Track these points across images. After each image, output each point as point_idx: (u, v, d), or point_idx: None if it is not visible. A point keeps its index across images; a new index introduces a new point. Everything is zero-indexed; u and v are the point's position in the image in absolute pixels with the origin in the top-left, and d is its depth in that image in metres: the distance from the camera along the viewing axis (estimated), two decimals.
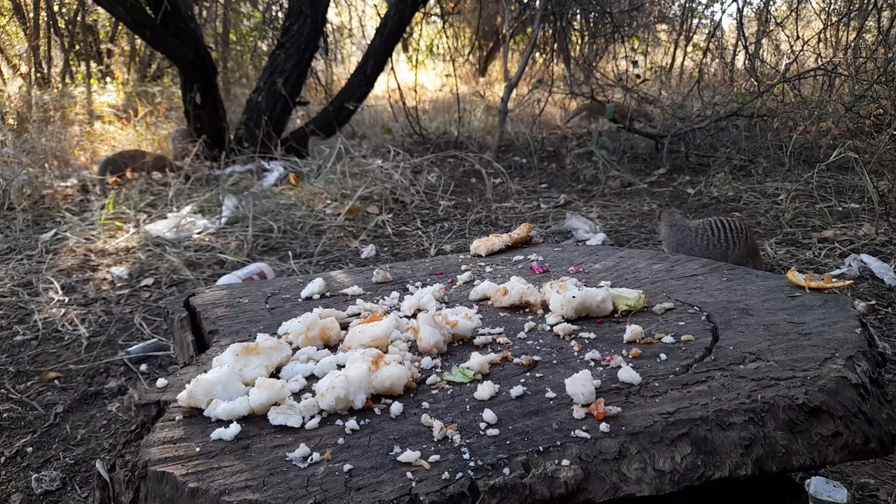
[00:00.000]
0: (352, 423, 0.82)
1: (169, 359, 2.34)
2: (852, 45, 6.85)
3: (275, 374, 0.98)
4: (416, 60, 8.13)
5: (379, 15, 7.54)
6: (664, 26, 9.53)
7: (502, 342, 1.06)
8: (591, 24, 7.80)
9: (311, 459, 0.75)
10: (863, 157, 4.30)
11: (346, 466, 0.74)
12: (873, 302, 2.55)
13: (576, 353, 1.00)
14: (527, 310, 1.21)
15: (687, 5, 8.97)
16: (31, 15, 7.81)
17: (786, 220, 3.68)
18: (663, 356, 0.97)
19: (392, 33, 5.79)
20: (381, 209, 4.10)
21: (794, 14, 6.93)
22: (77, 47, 8.53)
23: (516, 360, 0.99)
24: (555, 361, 0.98)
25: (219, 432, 0.81)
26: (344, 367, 0.94)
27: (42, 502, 1.65)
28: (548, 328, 1.11)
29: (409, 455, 0.74)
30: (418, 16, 7.22)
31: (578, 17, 7.69)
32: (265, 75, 5.63)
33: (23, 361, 2.33)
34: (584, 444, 0.75)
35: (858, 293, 2.67)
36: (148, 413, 0.90)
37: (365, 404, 0.86)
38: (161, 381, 0.96)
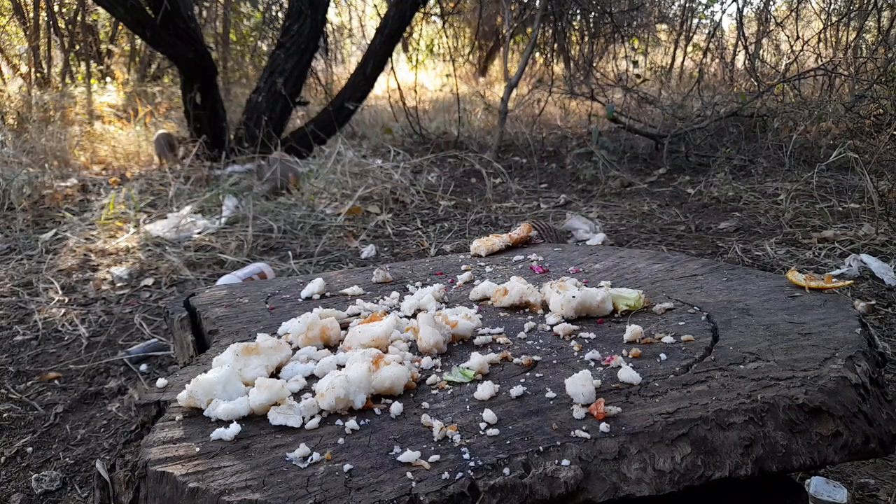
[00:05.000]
0: (352, 423, 0.82)
1: (169, 359, 2.34)
2: (852, 45, 6.85)
3: (275, 374, 0.98)
4: (416, 60, 8.12)
5: (379, 15, 7.53)
6: (664, 26, 9.51)
7: (502, 342, 1.06)
8: (591, 24, 7.79)
9: (311, 459, 0.75)
10: (863, 157, 4.30)
11: (346, 466, 0.74)
12: (873, 302, 2.55)
13: (576, 353, 1.00)
14: (527, 310, 1.21)
15: (687, 5, 8.96)
16: (31, 15, 7.80)
17: (786, 220, 3.68)
18: (663, 356, 0.97)
19: (392, 33, 5.78)
20: (381, 209, 4.10)
21: (794, 14, 6.92)
22: (77, 47, 8.52)
23: (516, 360, 0.99)
24: (555, 361, 0.98)
25: (219, 432, 0.81)
26: (344, 367, 0.94)
27: (42, 502, 1.65)
28: (548, 328, 1.11)
29: (409, 455, 0.74)
30: (418, 16, 7.22)
31: (578, 17, 7.68)
32: (265, 75, 5.63)
33: (23, 361, 2.33)
34: (584, 444, 0.75)
35: (858, 293, 2.67)
36: (148, 413, 0.90)
37: (365, 404, 0.86)
38: (161, 381, 0.96)
